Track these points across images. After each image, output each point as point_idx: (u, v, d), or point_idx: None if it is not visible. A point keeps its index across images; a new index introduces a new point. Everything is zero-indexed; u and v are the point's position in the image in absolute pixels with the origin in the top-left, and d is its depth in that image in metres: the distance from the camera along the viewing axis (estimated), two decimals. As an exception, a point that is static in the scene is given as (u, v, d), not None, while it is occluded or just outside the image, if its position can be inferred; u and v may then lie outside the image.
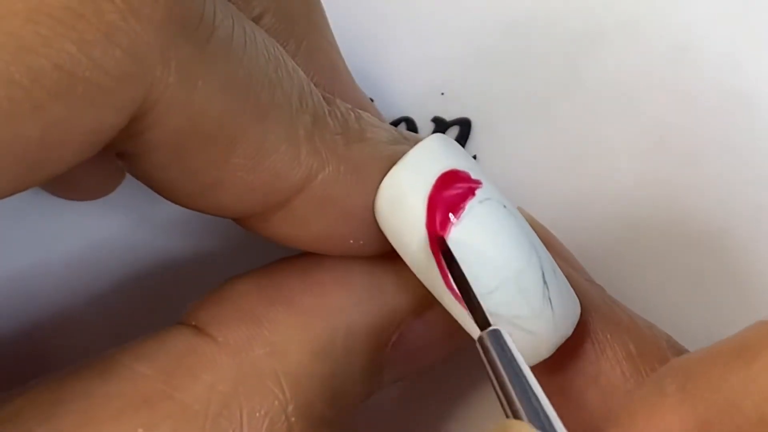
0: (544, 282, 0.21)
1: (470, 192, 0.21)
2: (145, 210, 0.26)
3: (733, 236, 0.28)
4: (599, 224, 0.28)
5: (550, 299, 0.21)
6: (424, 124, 0.28)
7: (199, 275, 0.26)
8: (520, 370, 0.18)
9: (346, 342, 0.21)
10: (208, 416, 0.19)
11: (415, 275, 0.21)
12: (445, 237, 0.21)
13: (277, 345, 0.20)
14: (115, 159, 0.22)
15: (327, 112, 0.21)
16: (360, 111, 0.22)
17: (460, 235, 0.21)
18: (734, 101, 0.28)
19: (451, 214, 0.21)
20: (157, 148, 0.19)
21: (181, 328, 0.21)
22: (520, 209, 0.22)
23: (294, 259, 0.22)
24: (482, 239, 0.21)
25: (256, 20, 0.22)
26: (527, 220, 0.22)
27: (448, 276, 0.21)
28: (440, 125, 0.28)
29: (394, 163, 0.21)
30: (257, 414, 0.20)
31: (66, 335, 0.25)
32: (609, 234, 0.28)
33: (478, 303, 0.20)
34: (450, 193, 0.21)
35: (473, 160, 0.22)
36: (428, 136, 0.22)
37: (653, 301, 0.27)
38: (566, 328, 0.21)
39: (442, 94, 0.28)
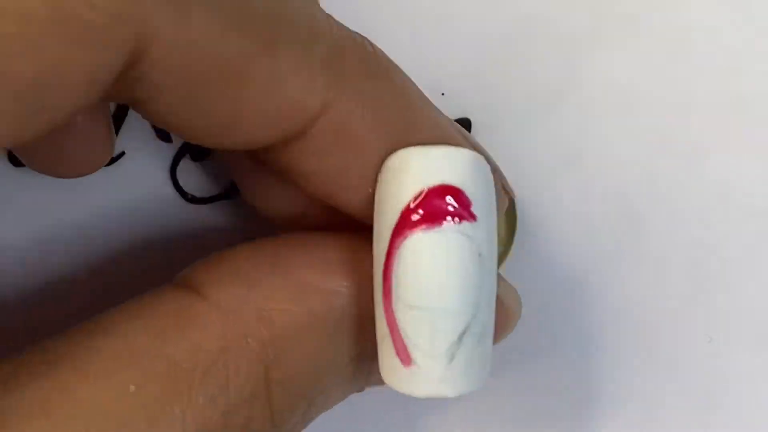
0: (460, 340, 0.20)
1: (458, 217, 0.20)
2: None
3: (733, 236, 0.27)
4: (599, 223, 0.28)
5: (453, 356, 0.20)
6: (424, 123, 0.28)
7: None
8: None
9: (339, 323, 0.21)
10: (196, 374, 0.19)
11: None
12: (409, 233, 0.20)
13: (267, 311, 0.20)
14: (103, 129, 0.22)
15: (350, 43, 0.21)
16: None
17: (417, 242, 0.20)
18: (734, 101, 0.28)
19: (428, 221, 0.20)
20: (167, 89, 0.19)
21: (174, 288, 0.21)
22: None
23: (304, 233, 0.22)
24: (434, 262, 0.20)
25: None
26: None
27: (389, 270, 0.20)
28: (440, 125, 0.28)
29: (416, 119, 0.21)
30: (242, 376, 0.20)
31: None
32: (609, 233, 0.28)
33: None
34: (441, 204, 0.20)
35: (493, 199, 0.21)
36: (471, 151, 0.21)
37: (653, 300, 0.27)
38: (453, 389, 0.21)
39: (442, 94, 0.28)
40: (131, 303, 0.20)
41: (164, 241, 0.27)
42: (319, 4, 0.21)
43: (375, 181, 0.21)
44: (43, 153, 0.24)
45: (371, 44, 0.21)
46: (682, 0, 0.28)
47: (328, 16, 0.21)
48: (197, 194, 0.27)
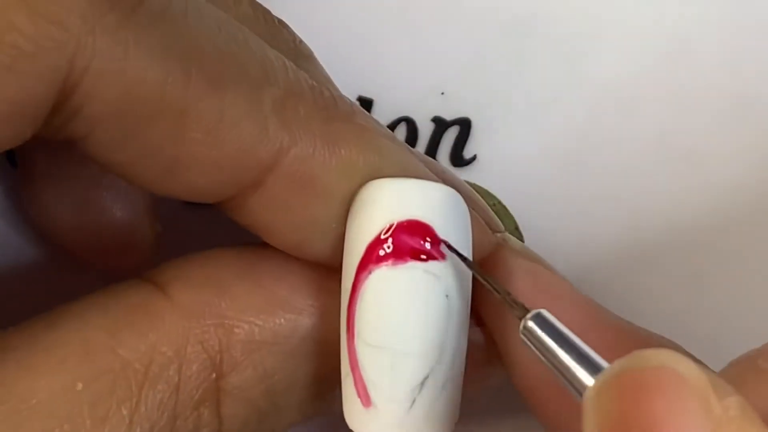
0: (422, 384, 0.20)
1: (426, 254, 0.20)
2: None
3: (733, 236, 0.28)
4: (599, 224, 0.28)
5: (414, 400, 0.20)
6: (424, 124, 0.28)
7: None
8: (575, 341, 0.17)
9: (302, 344, 0.21)
10: (147, 376, 0.19)
11: None
12: (373, 268, 0.20)
13: (228, 320, 0.20)
14: (145, 222, 0.22)
15: (308, 87, 0.20)
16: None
17: (381, 279, 0.20)
18: (734, 101, 0.28)
19: (394, 257, 0.20)
20: (102, 124, 0.18)
21: (139, 283, 0.20)
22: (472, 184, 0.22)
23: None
24: (396, 300, 0.20)
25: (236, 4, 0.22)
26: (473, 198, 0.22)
27: (353, 305, 0.20)
28: (440, 125, 0.28)
29: (384, 157, 0.20)
30: (192, 382, 0.19)
31: None
32: (609, 234, 0.28)
33: (507, 293, 0.19)
34: (408, 240, 0.20)
35: (467, 238, 0.21)
36: (444, 186, 0.21)
37: (652, 301, 0.27)
38: None
39: (442, 94, 0.28)
40: (93, 295, 0.20)
41: (163, 242, 0.27)
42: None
43: (344, 222, 0.20)
44: (86, 250, 0.24)
45: (329, 89, 0.21)
46: (682, 0, 0.28)
47: (285, 59, 0.20)
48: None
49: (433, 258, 0.20)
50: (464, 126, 0.28)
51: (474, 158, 0.28)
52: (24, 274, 0.26)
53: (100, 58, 0.17)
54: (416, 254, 0.20)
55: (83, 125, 0.18)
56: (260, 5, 0.23)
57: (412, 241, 0.20)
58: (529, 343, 0.18)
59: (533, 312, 0.18)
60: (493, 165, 0.28)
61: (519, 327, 0.18)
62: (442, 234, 0.20)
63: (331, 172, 0.20)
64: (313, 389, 0.21)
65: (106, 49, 0.17)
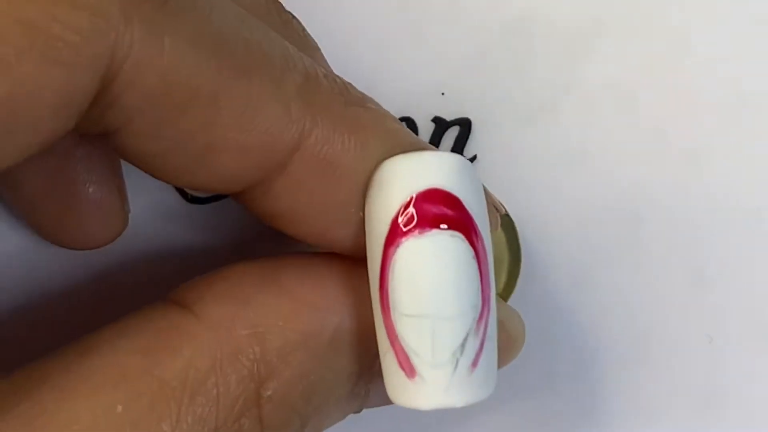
0: (462, 345, 0.20)
1: (450, 219, 0.20)
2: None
3: (733, 236, 0.28)
4: (599, 224, 0.28)
5: (457, 362, 0.20)
6: (424, 124, 0.28)
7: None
8: None
9: (333, 341, 0.21)
10: (185, 392, 0.19)
11: None
12: (401, 241, 0.20)
13: (259, 327, 0.20)
14: (116, 201, 0.23)
15: (323, 75, 0.21)
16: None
17: (410, 249, 0.20)
18: (734, 101, 0.28)
19: (419, 227, 0.20)
20: (139, 114, 0.19)
21: (166, 305, 0.21)
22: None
23: (299, 253, 0.22)
24: (428, 267, 0.20)
25: None
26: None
27: (385, 281, 0.20)
28: (440, 125, 0.28)
29: (397, 139, 0.21)
30: (232, 394, 0.20)
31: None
32: (609, 234, 0.28)
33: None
34: (431, 208, 0.20)
35: (483, 200, 0.21)
36: (456, 154, 0.21)
37: (652, 301, 0.27)
38: (460, 399, 0.20)
39: (442, 94, 0.28)
40: (121, 321, 0.20)
41: (164, 241, 0.27)
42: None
43: (363, 206, 0.21)
44: (56, 225, 0.24)
45: (340, 77, 0.21)
46: (682, 0, 0.28)
47: (299, 51, 0.21)
48: (197, 194, 0.27)
49: (458, 222, 0.20)
50: (464, 126, 0.28)
51: (474, 158, 0.28)
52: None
53: (138, 46, 0.18)
54: (440, 221, 0.20)
55: (120, 115, 0.19)
56: None
57: (435, 208, 0.20)
58: None
59: None
60: (493, 165, 0.28)
61: None
62: (461, 198, 0.20)
63: (350, 154, 0.20)
64: (351, 385, 0.22)
65: (143, 38, 0.18)
